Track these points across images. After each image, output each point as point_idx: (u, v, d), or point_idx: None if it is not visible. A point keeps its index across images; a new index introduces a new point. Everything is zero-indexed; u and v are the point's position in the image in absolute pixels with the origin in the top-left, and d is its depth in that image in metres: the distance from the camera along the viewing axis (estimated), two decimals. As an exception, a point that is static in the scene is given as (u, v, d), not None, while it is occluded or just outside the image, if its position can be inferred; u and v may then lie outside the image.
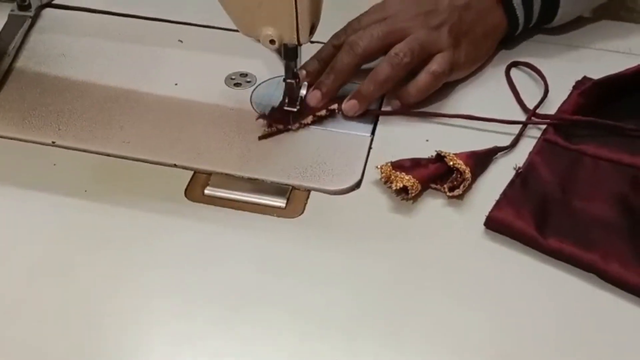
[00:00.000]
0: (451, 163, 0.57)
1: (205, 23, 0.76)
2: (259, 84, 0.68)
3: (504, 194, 0.57)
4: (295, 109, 0.65)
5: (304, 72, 0.65)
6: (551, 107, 0.66)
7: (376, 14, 0.66)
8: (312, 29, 0.60)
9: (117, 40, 0.74)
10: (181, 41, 0.74)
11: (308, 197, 0.58)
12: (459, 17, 0.66)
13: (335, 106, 0.65)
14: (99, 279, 0.52)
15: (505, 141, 0.62)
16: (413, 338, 0.49)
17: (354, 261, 0.53)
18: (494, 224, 0.55)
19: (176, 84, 0.68)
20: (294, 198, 0.58)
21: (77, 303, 0.50)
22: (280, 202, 0.57)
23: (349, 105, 0.64)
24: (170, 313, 0.50)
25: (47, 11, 0.78)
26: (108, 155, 0.61)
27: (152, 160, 0.61)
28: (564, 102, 0.66)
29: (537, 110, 0.65)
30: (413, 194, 0.57)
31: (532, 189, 0.58)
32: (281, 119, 0.63)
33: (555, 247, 0.53)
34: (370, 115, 0.65)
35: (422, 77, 0.64)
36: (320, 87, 0.64)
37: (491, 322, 0.50)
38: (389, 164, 0.58)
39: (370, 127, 0.64)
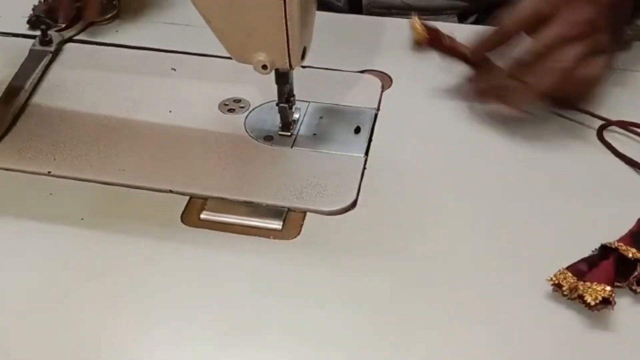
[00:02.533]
0: (630, 255, 0.52)
1: (197, 51, 0.77)
2: (253, 109, 0.69)
3: None
4: (289, 134, 0.66)
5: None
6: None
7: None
8: (304, 53, 0.61)
9: (110, 70, 0.75)
10: (174, 69, 0.75)
11: (304, 219, 0.58)
12: None
13: None
14: (96, 306, 0.52)
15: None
16: (414, 356, 0.49)
17: (351, 280, 0.53)
18: None
19: (170, 112, 0.69)
20: (290, 220, 0.58)
21: (74, 330, 0.50)
22: (276, 225, 0.58)
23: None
24: (169, 337, 0.50)
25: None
26: (104, 183, 0.61)
27: (148, 186, 0.61)
28: None
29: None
30: (614, 304, 0.50)
31: None
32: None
33: None
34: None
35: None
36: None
37: (491, 337, 0.50)
38: (567, 272, 0.52)
39: (364, 147, 0.65)
